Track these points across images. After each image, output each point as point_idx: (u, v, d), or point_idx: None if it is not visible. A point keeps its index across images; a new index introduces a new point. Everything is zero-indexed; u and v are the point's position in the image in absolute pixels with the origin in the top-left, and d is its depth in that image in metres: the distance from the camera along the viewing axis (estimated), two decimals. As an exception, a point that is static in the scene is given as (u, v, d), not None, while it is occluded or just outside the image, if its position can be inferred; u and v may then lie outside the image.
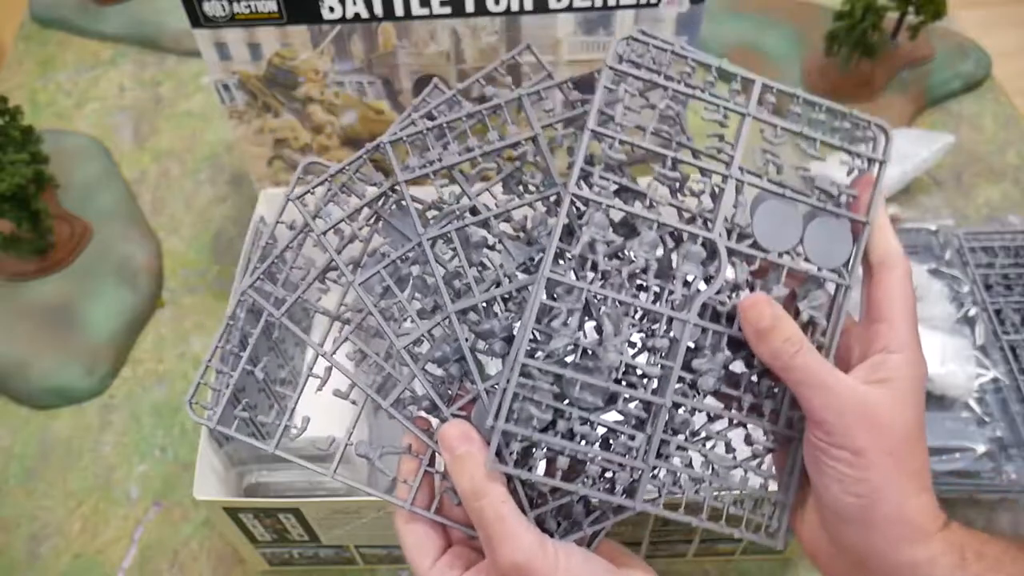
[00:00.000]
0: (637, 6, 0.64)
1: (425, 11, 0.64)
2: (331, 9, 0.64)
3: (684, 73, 0.38)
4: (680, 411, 0.37)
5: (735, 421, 0.38)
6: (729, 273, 0.37)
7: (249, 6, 0.63)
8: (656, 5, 0.64)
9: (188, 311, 0.79)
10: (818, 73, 0.93)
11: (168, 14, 1.04)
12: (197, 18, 0.64)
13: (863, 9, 0.84)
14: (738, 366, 0.38)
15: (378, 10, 0.64)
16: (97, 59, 1.05)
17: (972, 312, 0.68)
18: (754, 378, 0.38)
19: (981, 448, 0.61)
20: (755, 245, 0.37)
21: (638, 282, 0.37)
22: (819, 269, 0.38)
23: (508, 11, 0.64)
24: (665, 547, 0.58)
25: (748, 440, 0.38)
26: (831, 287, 0.38)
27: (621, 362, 0.35)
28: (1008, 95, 0.95)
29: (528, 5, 0.63)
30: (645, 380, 0.37)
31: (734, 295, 0.37)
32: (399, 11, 0.64)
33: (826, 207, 0.38)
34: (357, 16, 0.64)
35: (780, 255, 0.38)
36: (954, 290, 0.69)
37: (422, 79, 0.69)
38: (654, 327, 0.37)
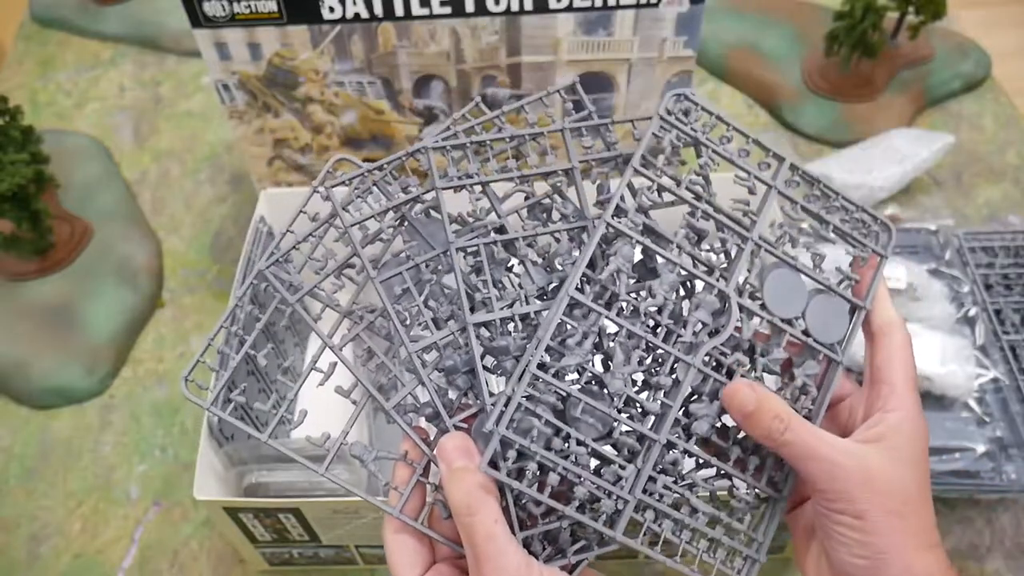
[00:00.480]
0: (637, 6, 0.64)
1: (425, 11, 0.64)
2: (331, 9, 0.64)
3: (724, 138, 0.40)
4: (671, 452, 0.38)
5: (721, 472, 0.39)
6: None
7: (249, 6, 0.63)
8: (656, 5, 0.64)
9: (188, 311, 0.79)
10: (818, 73, 0.93)
11: (168, 14, 1.04)
12: (197, 18, 0.64)
13: (863, 9, 0.84)
14: (730, 419, 0.39)
15: (378, 10, 0.64)
16: (97, 59, 1.05)
17: (972, 312, 0.68)
18: (742, 433, 0.39)
19: (981, 448, 0.61)
20: (762, 307, 0.39)
21: (651, 321, 0.39)
22: (816, 342, 0.39)
23: (508, 11, 0.64)
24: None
25: (732, 492, 0.39)
26: (824, 360, 0.40)
27: (623, 394, 0.36)
28: (1008, 95, 0.95)
29: (528, 5, 0.64)
30: (644, 417, 0.38)
31: (735, 352, 0.38)
32: (399, 11, 0.64)
33: (830, 287, 0.40)
34: (357, 16, 0.64)
35: (783, 321, 0.39)
36: (954, 290, 0.69)
37: (422, 79, 0.69)
38: (658, 368, 0.38)
